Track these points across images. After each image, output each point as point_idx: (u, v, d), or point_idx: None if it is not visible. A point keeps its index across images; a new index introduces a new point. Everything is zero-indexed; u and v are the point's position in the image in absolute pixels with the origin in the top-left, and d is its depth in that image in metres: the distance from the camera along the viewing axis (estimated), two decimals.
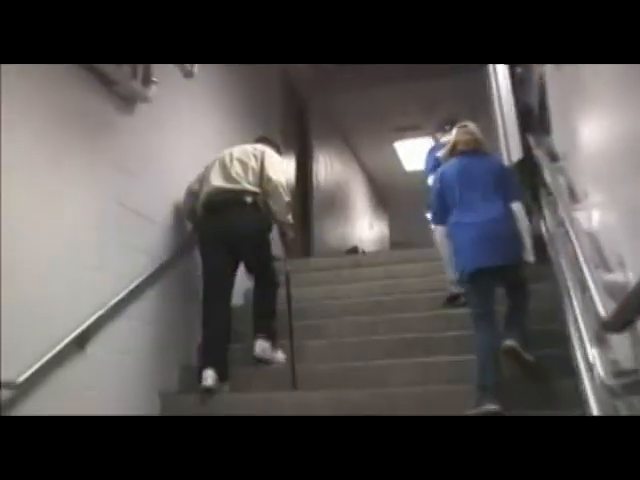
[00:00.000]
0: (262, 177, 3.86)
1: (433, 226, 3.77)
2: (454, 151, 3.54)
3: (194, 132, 4.48)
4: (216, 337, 3.63)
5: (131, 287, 3.43)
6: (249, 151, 4.01)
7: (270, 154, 4.02)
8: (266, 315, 3.83)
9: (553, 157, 3.48)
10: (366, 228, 10.91)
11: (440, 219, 3.47)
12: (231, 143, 4.28)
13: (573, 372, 2.35)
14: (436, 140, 4.99)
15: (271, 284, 3.91)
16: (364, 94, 7.92)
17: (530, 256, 3.24)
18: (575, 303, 2.45)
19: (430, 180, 4.54)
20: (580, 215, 2.74)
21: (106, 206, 3.35)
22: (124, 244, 3.46)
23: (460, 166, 3.43)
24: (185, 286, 4.05)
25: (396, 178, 10.97)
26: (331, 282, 4.95)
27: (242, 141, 4.32)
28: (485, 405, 2.86)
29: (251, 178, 3.85)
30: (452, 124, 4.72)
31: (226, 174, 3.89)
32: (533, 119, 4.06)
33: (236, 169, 3.89)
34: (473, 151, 3.47)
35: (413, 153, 9.69)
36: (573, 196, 2.95)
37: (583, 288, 2.31)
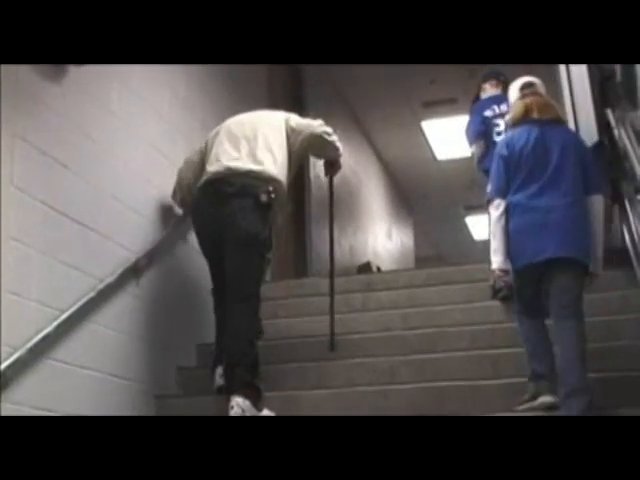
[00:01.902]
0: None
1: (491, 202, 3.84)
2: (526, 116, 3.65)
3: (154, 112, 4.48)
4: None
5: (62, 318, 3.39)
6: (279, 119, 4.15)
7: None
8: (244, 365, 3.67)
9: None
10: (382, 238, 10.91)
11: (502, 192, 3.60)
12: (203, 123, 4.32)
13: None
14: (482, 91, 5.11)
15: (248, 329, 3.81)
16: None
17: (599, 268, 3.37)
18: None
19: (474, 148, 4.76)
20: None
21: (28, 207, 3.31)
22: (53, 259, 3.43)
23: (534, 136, 3.56)
24: (143, 316, 4.05)
25: (424, 170, 10.98)
26: (335, 311, 4.83)
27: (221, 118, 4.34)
28: (541, 397, 3.24)
29: (279, 159, 3.99)
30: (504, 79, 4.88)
31: (246, 149, 3.98)
32: (614, 87, 4.09)
33: (262, 145, 3.99)
34: (549, 120, 3.59)
35: (448, 136, 9.67)
36: None
37: None
